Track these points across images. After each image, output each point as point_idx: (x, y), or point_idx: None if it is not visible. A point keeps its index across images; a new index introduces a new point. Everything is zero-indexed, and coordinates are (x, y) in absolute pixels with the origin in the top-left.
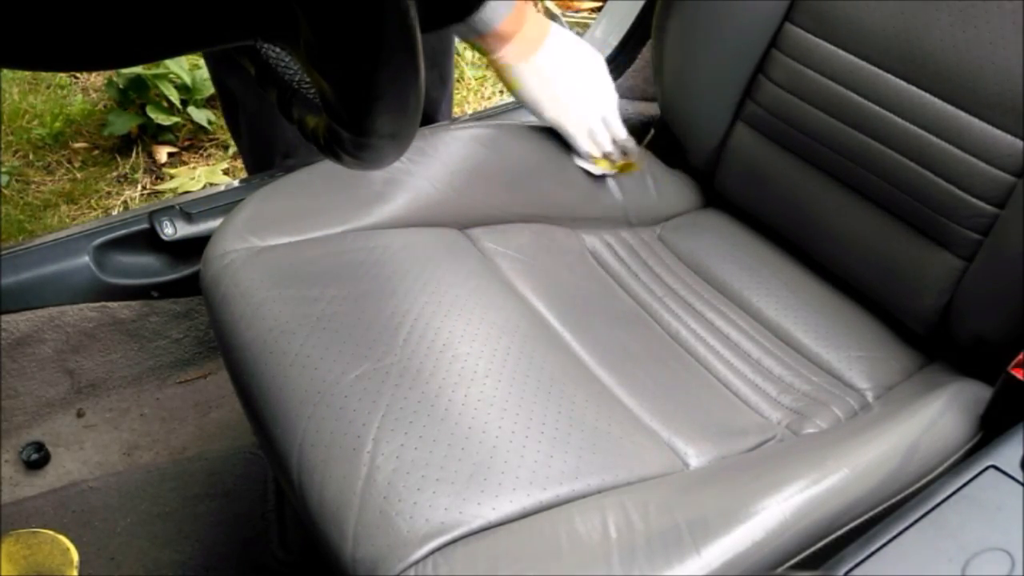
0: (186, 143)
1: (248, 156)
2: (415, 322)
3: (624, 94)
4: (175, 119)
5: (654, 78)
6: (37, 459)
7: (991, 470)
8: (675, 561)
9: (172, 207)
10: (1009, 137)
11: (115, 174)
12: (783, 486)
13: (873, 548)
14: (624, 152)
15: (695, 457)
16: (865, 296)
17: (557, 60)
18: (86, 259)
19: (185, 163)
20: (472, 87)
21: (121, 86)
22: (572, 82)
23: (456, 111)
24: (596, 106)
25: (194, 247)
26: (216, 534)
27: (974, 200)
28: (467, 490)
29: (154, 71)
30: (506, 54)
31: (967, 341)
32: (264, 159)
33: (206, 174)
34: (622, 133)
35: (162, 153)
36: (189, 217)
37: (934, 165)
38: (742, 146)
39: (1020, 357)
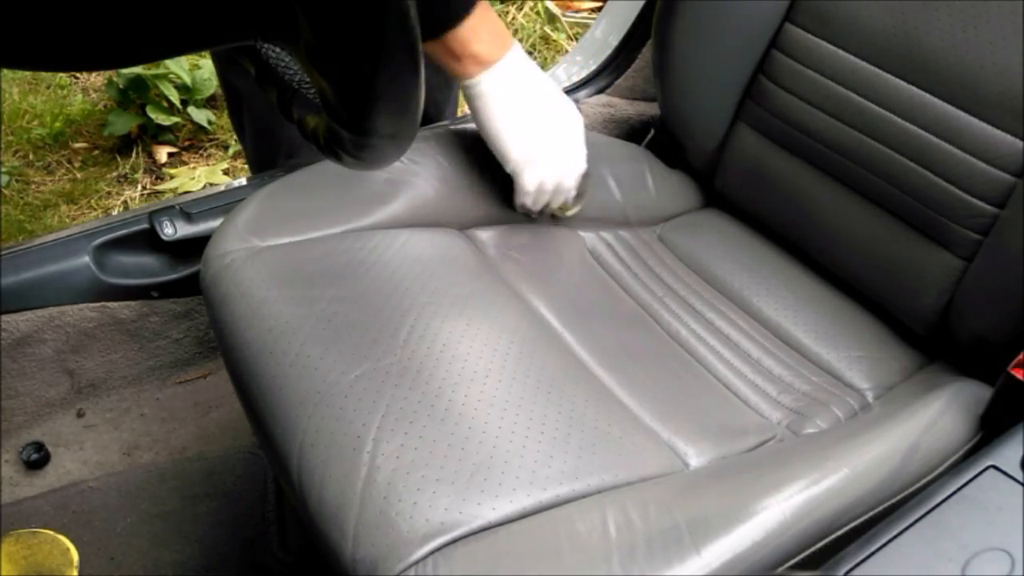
0: (186, 143)
1: (252, 155)
2: (415, 322)
3: (624, 94)
4: (175, 119)
5: (654, 78)
6: (37, 459)
7: (991, 470)
8: (675, 561)
9: (172, 207)
10: (1009, 137)
11: (115, 174)
12: (783, 486)
13: (873, 548)
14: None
15: (695, 457)
16: (865, 296)
17: (523, 87)
18: (86, 259)
19: (185, 163)
20: None
21: (121, 86)
22: (544, 121)
23: (457, 111)
24: (563, 166)
25: (194, 247)
26: (216, 534)
27: (974, 200)
28: (467, 490)
29: (154, 71)
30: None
31: (967, 341)
32: (268, 158)
33: (206, 174)
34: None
35: (162, 153)
36: (189, 217)
37: (934, 165)
38: (742, 146)
39: (1020, 357)
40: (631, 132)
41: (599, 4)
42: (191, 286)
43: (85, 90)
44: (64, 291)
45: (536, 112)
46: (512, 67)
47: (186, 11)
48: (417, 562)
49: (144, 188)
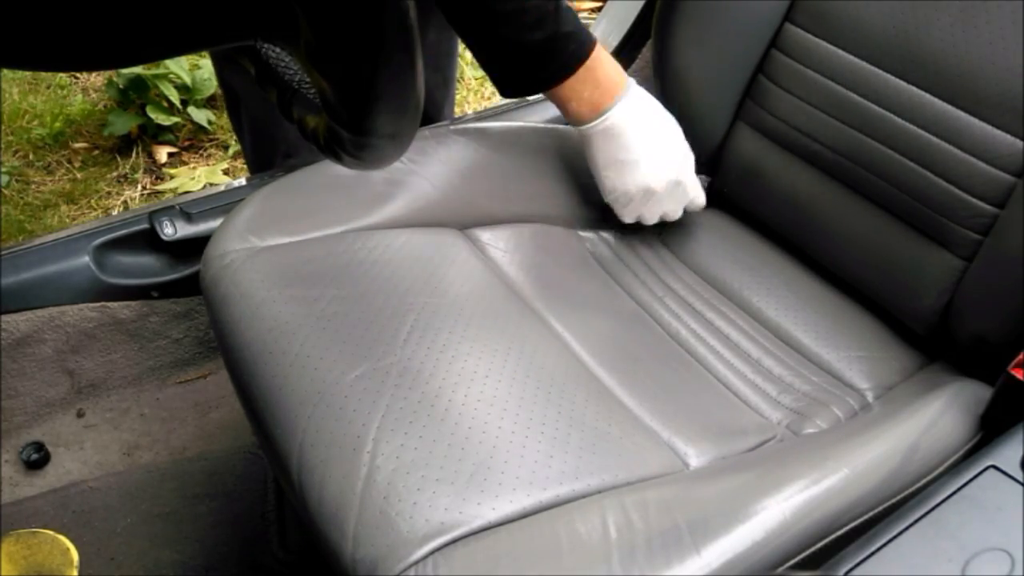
0: (186, 143)
1: (250, 155)
2: (415, 322)
3: None
4: (175, 119)
5: (654, 78)
6: (37, 459)
7: (991, 470)
8: (675, 561)
9: (172, 207)
10: (1009, 137)
11: (115, 174)
12: (783, 486)
13: (873, 548)
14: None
15: (695, 457)
16: (865, 296)
17: (631, 125)
18: (86, 259)
19: (185, 163)
20: (472, 87)
21: (121, 86)
22: (641, 170)
23: (456, 111)
24: (665, 203)
25: (194, 247)
26: (216, 534)
27: (974, 200)
28: (467, 490)
29: (154, 71)
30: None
31: (967, 341)
32: (266, 158)
33: (206, 174)
34: (675, 215)
35: (162, 153)
36: (189, 217)
37: (934, 165)
38: (742, 146)
39: (1020, 357)
40: None
41: (599, 4)
42: (191, 286)
43: (85, 90)
44: (64, 291)
45: (634, 158)
46: (616, 117)
47: (186, 11)
48: (417, 562)
49: (144, 188)
